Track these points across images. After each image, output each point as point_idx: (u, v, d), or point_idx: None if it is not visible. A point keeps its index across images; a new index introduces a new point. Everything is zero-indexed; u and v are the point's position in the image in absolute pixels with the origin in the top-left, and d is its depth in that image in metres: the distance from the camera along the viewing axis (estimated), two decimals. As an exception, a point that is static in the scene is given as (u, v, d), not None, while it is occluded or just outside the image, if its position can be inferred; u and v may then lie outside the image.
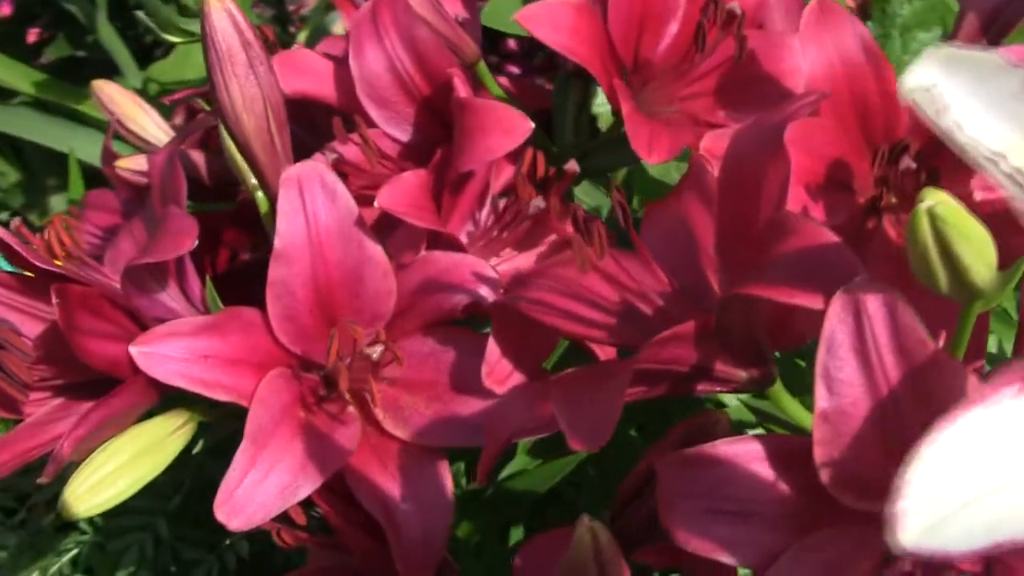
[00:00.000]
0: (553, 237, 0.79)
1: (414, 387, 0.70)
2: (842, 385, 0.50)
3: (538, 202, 0.74)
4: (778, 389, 0.61)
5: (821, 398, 0.50)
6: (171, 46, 1.52)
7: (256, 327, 0.68)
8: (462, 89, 0.72)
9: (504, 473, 0.90)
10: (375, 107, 0.76)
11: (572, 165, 0.72)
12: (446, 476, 0.68)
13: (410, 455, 0.69)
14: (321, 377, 0.71)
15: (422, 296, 0.69)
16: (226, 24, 0.68)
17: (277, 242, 0.67)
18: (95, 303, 0.65)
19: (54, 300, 0.61)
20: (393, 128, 0.77)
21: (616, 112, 0.79)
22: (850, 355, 0.50)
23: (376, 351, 0.66)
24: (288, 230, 0.67)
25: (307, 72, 0.78)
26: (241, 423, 0.77)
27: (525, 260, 0.78)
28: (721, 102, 0.77)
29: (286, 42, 1.60)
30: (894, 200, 0.69)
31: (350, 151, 0.75)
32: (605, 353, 0.71)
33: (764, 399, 0.71)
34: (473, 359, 0.69)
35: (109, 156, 0.97)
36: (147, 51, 1.55)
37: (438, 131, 0.77)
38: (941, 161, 0.69)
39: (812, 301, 0.50)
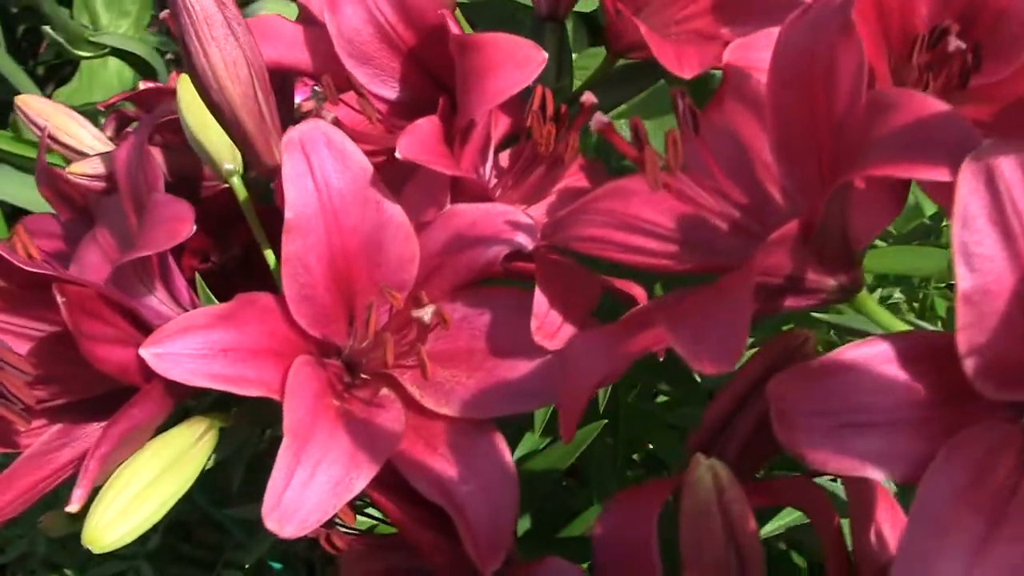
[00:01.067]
0: (562, 185, 0.73)
1: (451, 358, 0.64)
2: (983, 261, 0.45)
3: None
4: (865, 296, 0.56)
5: (962, 278, 0.45)
6: (67, 77, 1.43)
7: (272, 312, 0.61)
8: (456, 27, 0.66)
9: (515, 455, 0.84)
10: (358, 65, 0.70)
11: (589, 96, 0.66)
12: (503, 448, 0.62)
13: (459, 432, 0.62)
14: (344, 361, 0.64)
15: (450, 255, 0.63)
16: (199, -15, 0.61)
17: (288, 213, 0.60)
18: (93, 305, 0.57)
19: (59, 298, 0.53)
20: (379, 86, 0.71)
21: (615, 45, 0.74)
22: (988, 227, 0.45)
23: (426, 313, 0.59)
24: (298, 198, 0.60)
25: (276, 38, 0.71)
26: (251, 428, 0.70)
27: (536, 213, 0.72)
28: (721, 18, 0.72)
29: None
30: (938, 85, 0.64)
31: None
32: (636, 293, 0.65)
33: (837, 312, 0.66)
34: (514, 317, 0.63)
35: (46, 174, 0.89)
36: (44, 79, 1.45)
37: (427, 85, 0.71)
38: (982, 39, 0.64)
39: (938, 173, 0.45)
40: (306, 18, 0.81)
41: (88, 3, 1.26)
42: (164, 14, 0.91)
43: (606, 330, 0.54)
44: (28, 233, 0.96)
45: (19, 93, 1.30)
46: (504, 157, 0.73)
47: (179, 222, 0.60)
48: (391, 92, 0.71)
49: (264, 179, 0.67)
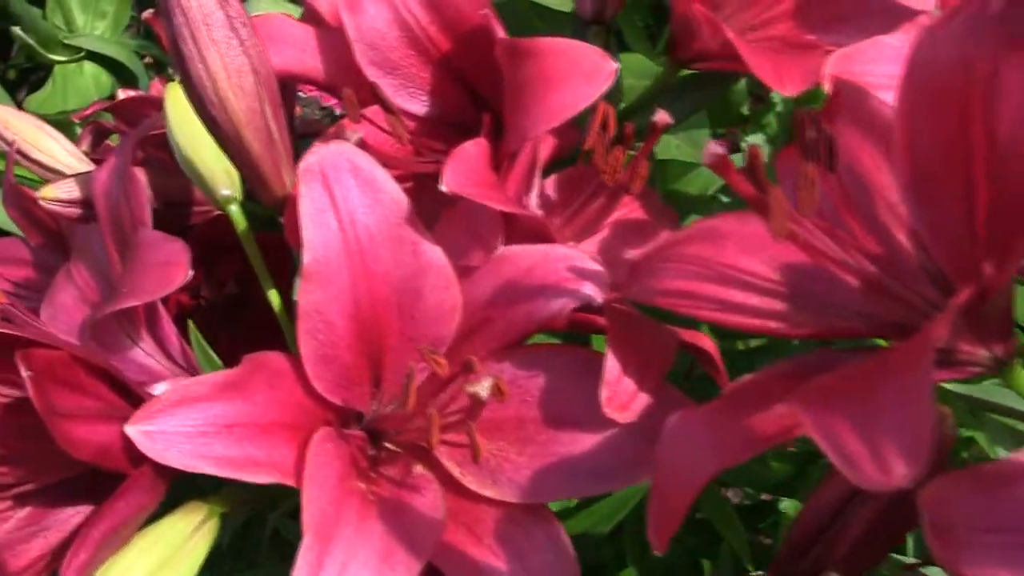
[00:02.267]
0: (615, 217, 0.63)
1: (497, 428, 0.53)
2: None
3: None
4: (1018, 368, 0.45)
5: None
6: (40, 81, 1.32)
7: (285, 377, 0.50)
8: (502, 31, 0.55)
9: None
10: (382, 75, 0.59)
11: (663, 116, 0.55)
12: (563, 540, 0.51)
13: (509, 519, 0.52)
14: (365, 429, 0.53)
15: (501, 307, 0.52)
16: (192, -27, 0.50)
17: (306, 257, 0.49)
18: (68, 372, 0.46)
19: (23, 371, 0.42)
20: (405, 99, 0.60)
21: (681, 52, 0.64)
22: None
23: (483, 388, 0.48)
24: (318, 240, 0.49)
25: (283, 42, 0.60)
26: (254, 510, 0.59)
27: (587, 249, 0.61)
28: (808, 23, 0.62)
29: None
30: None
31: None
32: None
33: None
34: (573, 381, 0.53)
35: (14, 194, 0.78)
36: (15, 84, 1.34)
37: (463, 98, 0.60)
38: None
39: None
40: (314, 19, 0.70)
41: (62, 3, 1.15)
42: (147, 14, 0.80)
43: (710, 411, 0.44)
44: (-9, 260, 0.85)
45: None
46: (550, 184, 0.62)
47: (173, 267, 0.49)
48: (420, 106, 0.60)
49: (272, 211, 0.56)
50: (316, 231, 0.49)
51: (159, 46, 1.41)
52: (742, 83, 0.89)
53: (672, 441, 0.43)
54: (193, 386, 0.47)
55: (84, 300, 0.63)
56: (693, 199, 0.81)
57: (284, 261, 0.65)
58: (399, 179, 0.54)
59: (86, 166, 0.81)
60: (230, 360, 0.68)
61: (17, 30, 1.00)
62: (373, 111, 0.58)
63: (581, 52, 0.52)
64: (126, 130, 0.87)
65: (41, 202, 0.66)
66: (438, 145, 0.58)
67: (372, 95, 0.60)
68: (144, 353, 0.56)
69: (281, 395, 0.50)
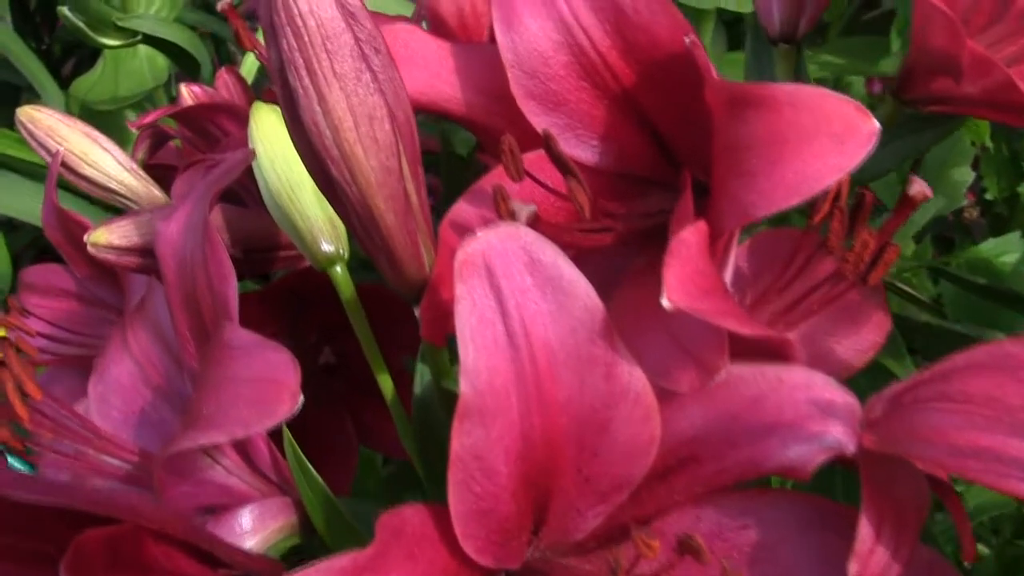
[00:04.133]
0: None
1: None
2: None
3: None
4: None
5: None
6: (88, 57, 1.18)
7: (427, 542, 0.37)
8: (713, 68, 0.41)
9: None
10: (542, 111, 0.45)
11: (920, 187, 0.41)
12: None
13: None
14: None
15: (711, 446, 0.39)
16: (313, -20, 0.36)
17: (464, 385, 0.35)
18: (130, 552, 0.32)
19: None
20: (571, 143, 0.46)
21: (912, 91, 0.50)
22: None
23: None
24: (481, 361, 0.35)
25: (413, 63, 0.46)
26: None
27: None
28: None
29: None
30: None
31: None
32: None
33: None
34: (798, 537, 0.39)
35: (56, 216, 0.65)
36: (60, 60, 1.20)
37: (643, 144, 0.47)
38: None
39: None
40: (436, 26, 0.56)
41: (116, -27, 1.01)
42: (224, 4, 0.66)
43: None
44: (29, 288, 0.72)
45: (28, 81, 1.05)
46: (740, 250, 0.48)
47: (274, 390, 0.35)
48: (589, 154, 0.46)
49: (405, 296, 0.42)
50: (479, 351, 0.35)
51: (221, 19, 1.27)
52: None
53: None
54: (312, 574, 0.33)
55: (145, 380, 0.50)
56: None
57: (394, 321, 0.52)
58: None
59: (143, 184, 0.68)
60: (320, 444, 0.55)
61: (65, 10, 0.87)
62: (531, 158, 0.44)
63: (830, 105, 0.38)
64: (193, 139, 0.73)
65: (91, 249, 0.53)
66: (612, 206, 0.45)
67: (527, 137, 0.46)
68: (225, 471, 0.43)
69: (423, 566, 0.36)
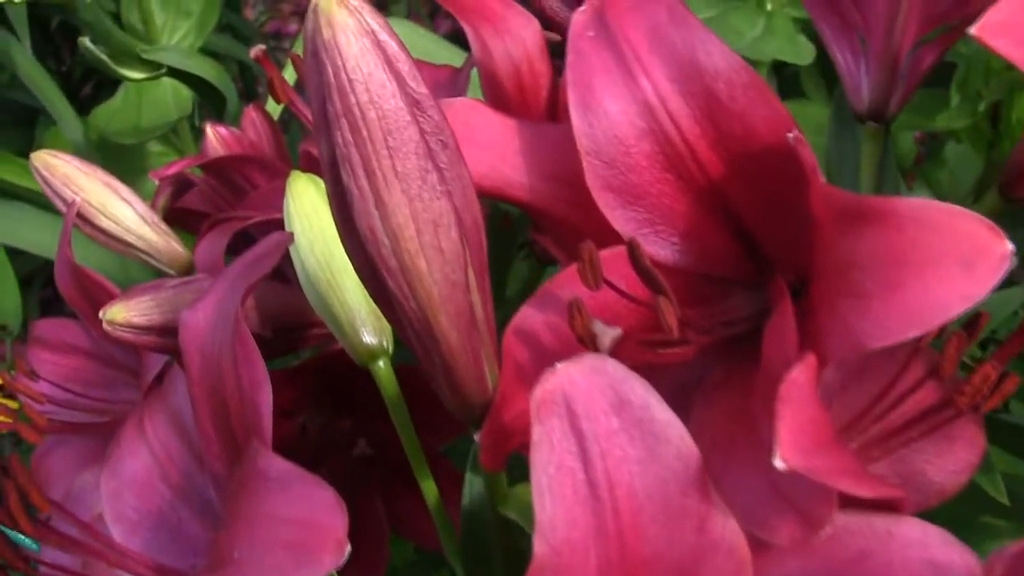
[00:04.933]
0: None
1: None
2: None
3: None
4: None
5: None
6: (108, 80, 1.14)
7: None
8: (819, 172, 0.36)
9: None
10: (619, 204, 0.40)
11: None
12: None
13: None
14: None
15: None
16: (370, 59, 0.31)
17: (538, 542, 0.30)
18: None
19: None
20: (649, 240, 0.41)
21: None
22: None
23: None
24: (558, 515, 0.30)
25: (474, 143, 0.41)
26: None
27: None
28: None
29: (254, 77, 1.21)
30: None
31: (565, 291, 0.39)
32: None
33: None
34: None
35: (69, 272, 0.60)
36: (80, 83, 1.16)
37: (728, 244, 0.42)
38: None
39: None
40: (492, 89, 0.51)
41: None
42: (257, 51, 0.62)
43: None
44: (39, 343, 0.68)
45: (43, 106, 1.00)
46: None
47: (319, 535, 0.31)
48: (668, 253, 0.41)
49: (464, 418, 0.37)
50: (556, 503, 0.30)
51: (246, 46, 1.22)
52: None
53: None
54: None
55: (163, 476, 0.45)
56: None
57: (433, 406, 0.47)
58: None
59: (164, 239, 0.63)
60: (351, 534, 0.50)
61: (86, 42, 0.82)
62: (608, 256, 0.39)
63: (960, 224, 0.33)
64: (218, 188, 0.68)
65: (106, 327, 0.48)
66: (692, 313, 0.40)
67: (596, 227, 0.41)
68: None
69: None
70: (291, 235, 0.41)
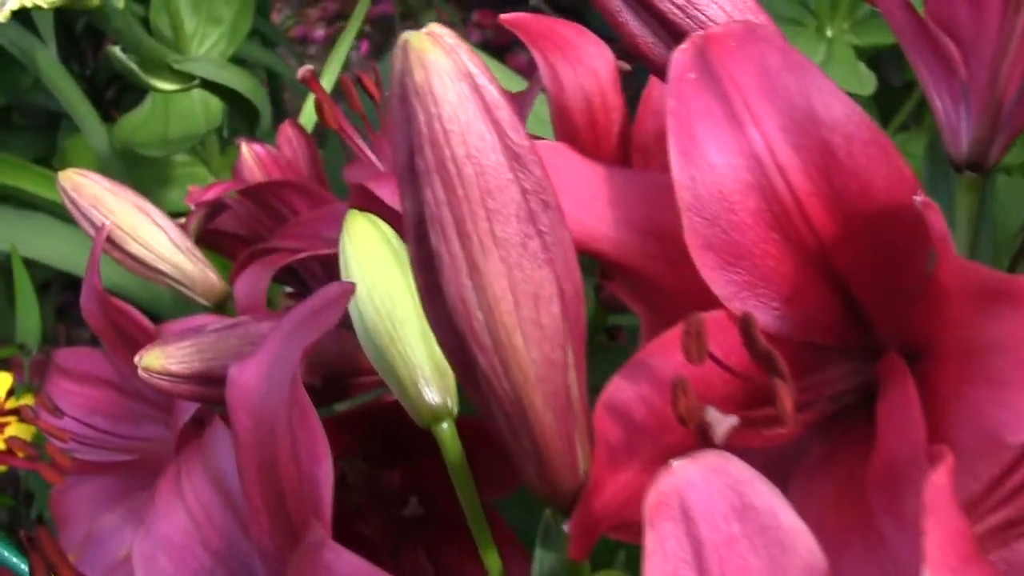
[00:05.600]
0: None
1: None
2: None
3: None
4: None
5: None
6: (132, 86, 1.10)
7: None
8: (950, 242, 0.33)
9: None
10: (719, 265, 0.36)
11: None
12: None
13: None
14: None
15: None
16: (468, 107, 0.27)
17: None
18: None
19: None
20: (750, 305, 0.37)
21: None
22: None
23: None
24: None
25: (568, 192, 0.37)
26: None
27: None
28: None
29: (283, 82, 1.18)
30: None
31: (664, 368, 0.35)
32: None
33: None
34: None
35: (96, 302, 0.57)
36: (105, 87, 1.12)
37: (834, 310, 0.38)
38: None
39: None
40: (563, 124, 0.48)
41: (169, 3, 0.93)
42: (305, 72, 0.58)
43: None
44: (62, 373, 0.64)
45: (66, 111, 0.97)
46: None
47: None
48: (769, 319, 0.37)
49: (553, 506, 0.33)
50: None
51: (275, 51, 1.18)
52: None
53: None
54: None
55: (202, 542, 0.41)
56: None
57: (491, 459, 0.44)
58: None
59: (199, 268, 0.60)
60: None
61: (116, 51, 0.78)
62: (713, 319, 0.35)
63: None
64: (254, 211, 0.65)
65: (142, 374, 0.44)
66: (795, 386, 0.36)
67: (686, 284, 0.37)
68: None
69: None
70: (353, 285, 0.38)
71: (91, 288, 0.57)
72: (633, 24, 0.39)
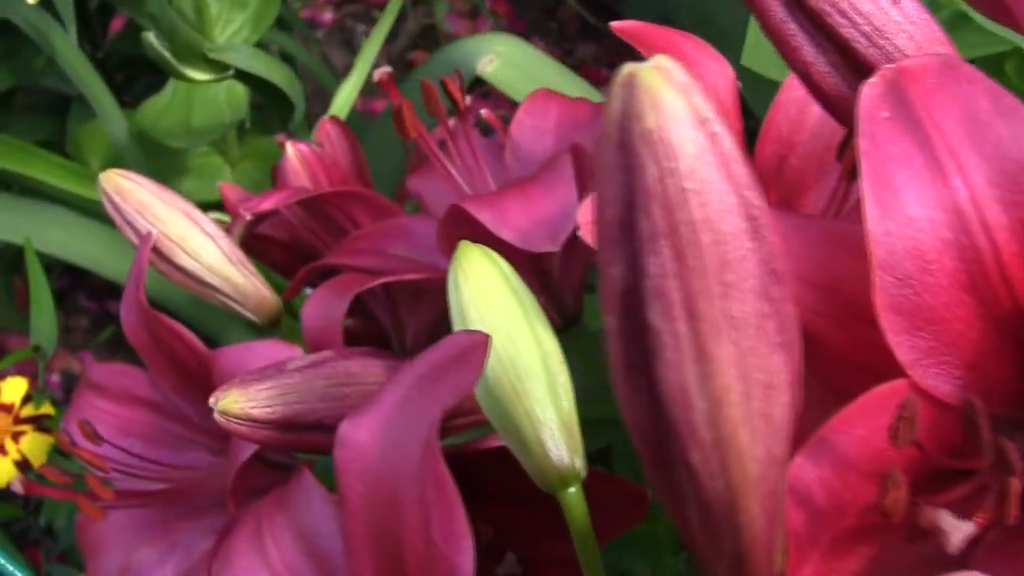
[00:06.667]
0: None
1: None
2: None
3: None
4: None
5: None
6: (144, 70, 1.05)
7: None
8: None
9: None
10: (905, 329, 0.32)
11: None
12: None
13: None
14: None
15: None
16: (708, 161, 0.23)
17: None
18: None
19: None
20: (932, 375, 0.33)
21: None
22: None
23: None
24: None
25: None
26: None
27: None
28: None
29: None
30: None
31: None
32: None
33: None
34: None
35: (139, 317, 0.52)
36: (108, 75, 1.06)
37: (1015, 379, 0.34)
38: None
39: None
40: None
41: (192, -16, 0.88)
42: (382, 74, 0.54)
43: None
44: (95, 390, 0.59)
45: (78, 89, 0.92)
46: None
47: None
48: (950, 388, 0.33)
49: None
50: None
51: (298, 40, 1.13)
52: None
53: None
54: None
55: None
56: None
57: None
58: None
59: (251, 283, 0.55)
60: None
61: (151, 37, 0.73)
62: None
63: None
64: (304, 219, 0.60)
65: (219, 419, 0.40)
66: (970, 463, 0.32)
67: (853, 345, 0.33)
68: None
69: None
70: (486, 337, 0.33)
71: (134, 302, 0.53)
72: (807, 50, 0.34)
